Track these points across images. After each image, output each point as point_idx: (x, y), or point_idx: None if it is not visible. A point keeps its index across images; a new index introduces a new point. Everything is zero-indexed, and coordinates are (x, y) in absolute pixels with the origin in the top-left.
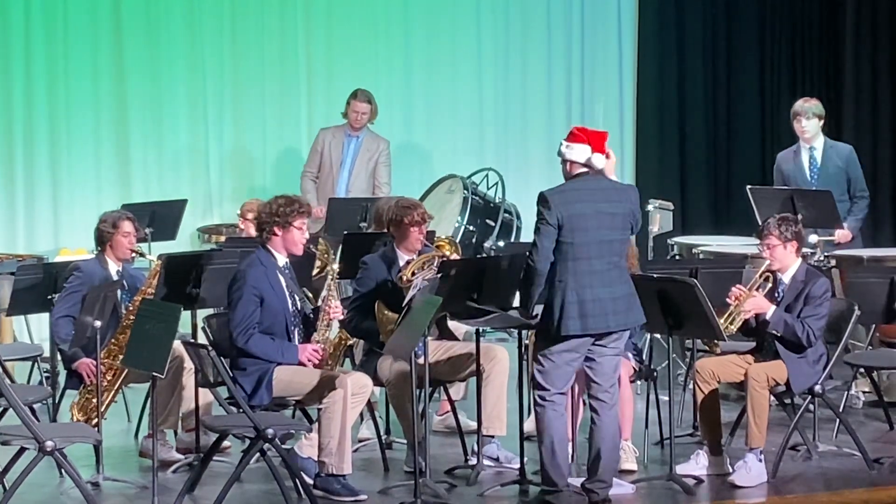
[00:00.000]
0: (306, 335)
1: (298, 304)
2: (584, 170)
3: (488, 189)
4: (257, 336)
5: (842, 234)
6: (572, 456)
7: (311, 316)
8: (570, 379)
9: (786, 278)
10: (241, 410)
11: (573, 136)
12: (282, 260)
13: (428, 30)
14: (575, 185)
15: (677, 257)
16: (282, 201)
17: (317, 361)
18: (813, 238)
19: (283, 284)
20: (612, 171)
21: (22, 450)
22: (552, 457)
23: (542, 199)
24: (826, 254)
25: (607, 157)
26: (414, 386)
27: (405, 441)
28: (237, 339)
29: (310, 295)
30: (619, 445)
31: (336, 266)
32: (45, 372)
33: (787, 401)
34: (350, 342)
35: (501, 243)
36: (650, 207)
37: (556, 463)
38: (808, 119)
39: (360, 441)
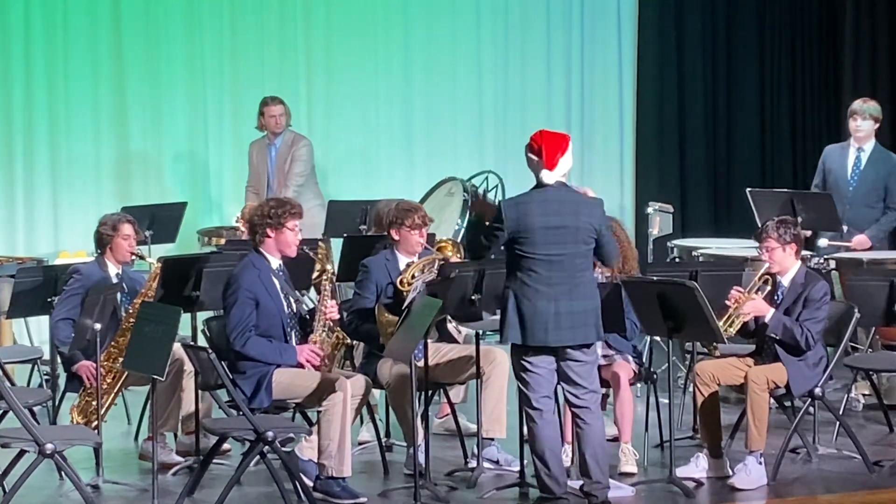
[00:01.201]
0: (303, 336)
1: (294, 305)
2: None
3: (488, 191)
4: (254, 338)
5: (858, 241)
6: (571, 459)
7: (308, 317)
8: (552, 382)
9: (785, 281)
10: (240, 413)
11: (529, 146)
12: (275, 262)
13: (427, 31)
14: (533, 196)
15: (677, 260)
16: (273, 203)
17: (316, 362)
18: (823, 242)
19: (278, 287)
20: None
21: (22, 452)
22: (546, 466)
23: (497, 210)
24: (826, 256)
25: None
26: (414, 388)
27: (405, 444)
28: (234, 342)
29: (308, 296)
30: (607, 446)
31: (330, 266)
32: (44, 374)
33: (787, 403)
34: (347, 342)
35: (502, 246)
36: (650, 210)
37: (550, 472)
38: (865, 119)
39: (360, 444)
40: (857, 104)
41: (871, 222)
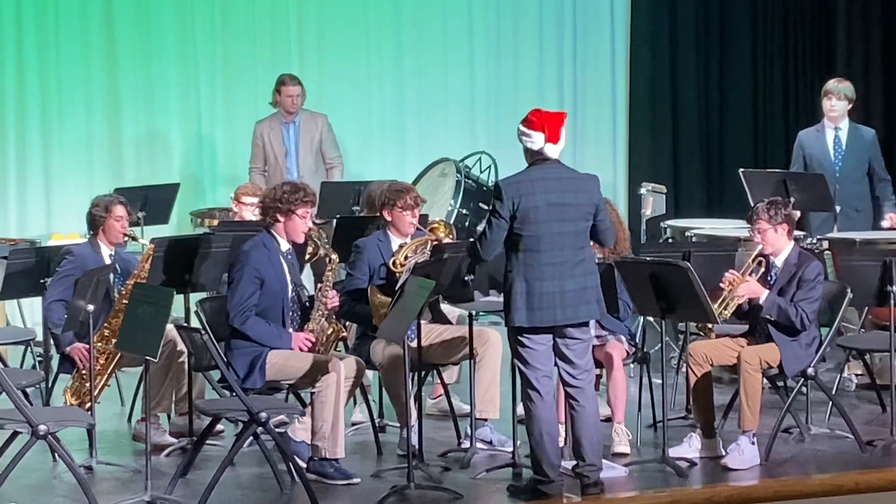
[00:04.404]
0: (301, 323)
1: (297, 291)
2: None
3: (481, 172)
4: (254, 318)
5: (894, 221)
6: (564, 439)
7: (308, 304)
8: (550, 359)
9: (778, 262)
10: (234, 394)
11: (529, 123)
12: (285, 245)
13: (419, 13)
14: (531, 174)
15: (670, 240)
16: (287, 188)
17: (306, 349)
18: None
19: (285, 269)
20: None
21: (15, 434)
22: (542, 450)
23: (497, 190)
24: (819, 237)
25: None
26: (407, 369)
27: (398, 424)
28: (234, 320)
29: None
30: (601, 427)
31: (335, 256)
32: (37, 356)
33: (780, 383)
34: (343, 335)
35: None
36: (643, 190)
37: (546, 455)
38: (840, 99)
39: (353, 424)
40: (832, 84)
41: (859, 198)
